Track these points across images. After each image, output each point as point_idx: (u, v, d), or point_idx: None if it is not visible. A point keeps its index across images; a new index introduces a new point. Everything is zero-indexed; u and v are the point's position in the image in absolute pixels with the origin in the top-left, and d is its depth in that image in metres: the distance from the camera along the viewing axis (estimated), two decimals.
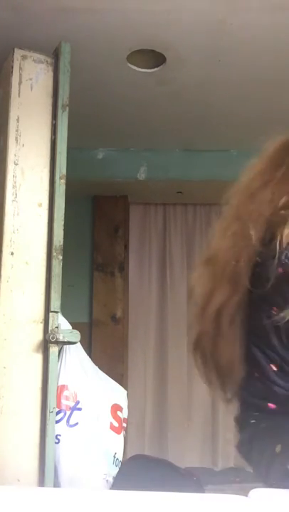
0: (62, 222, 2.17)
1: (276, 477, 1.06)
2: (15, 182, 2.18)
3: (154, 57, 2.64)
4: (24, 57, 2.27)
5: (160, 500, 0.88)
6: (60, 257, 2.14)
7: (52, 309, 2.10)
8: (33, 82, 2.27)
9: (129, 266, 4.18)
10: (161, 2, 2.21)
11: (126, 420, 2.38)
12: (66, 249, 2.19)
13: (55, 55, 2.30)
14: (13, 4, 2.22)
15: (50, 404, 2.02)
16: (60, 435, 2.10)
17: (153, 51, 2.58)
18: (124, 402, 2.37)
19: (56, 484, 2.05)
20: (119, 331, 3.92)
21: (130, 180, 3.72)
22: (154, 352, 4.18)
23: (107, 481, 2.18)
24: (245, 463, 1.28)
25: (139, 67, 2.71)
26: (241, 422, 1.29)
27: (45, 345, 2.08)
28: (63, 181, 2.20)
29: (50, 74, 2.29)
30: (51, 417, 2.02)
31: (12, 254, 2.13)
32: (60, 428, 2.11)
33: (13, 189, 2.17)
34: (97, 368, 2.36)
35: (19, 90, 2.25)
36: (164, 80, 2.81)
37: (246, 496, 0.87)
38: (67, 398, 2.15)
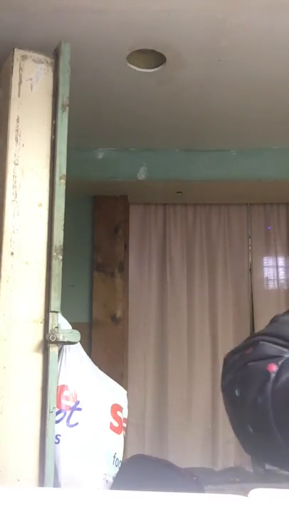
0: (63, 222, 2.17)
1: None
2: (15, 182, 2.18)
3: (154, 57, 2.64)
4: (24, 57, 2.27)
5: (160, 500, 0.88)
6: (60, 257, 2.14)
7: (52, 309, 2.10)
8: (33, 82, 2.27)
9: (129, 266, 4.18)
10: (161, 2, 2.21)
11: (126, 420, 2.37)
12: (66, 249, 2.19)
13: (55, 55, 2.30)
14: (13, 4, 2.22)
15: (50, 404, 2.02)
16: (60, 435, 2.10)
17: (153, 51, 2.58)
18: (124, 402, 2.37)
19: (56, 484, 2.05)
20: (119, 331, 3.92)
21: (130, 180, 3.72)
22: (154, 352, 4.19)
23: (107, 481, 2.18)
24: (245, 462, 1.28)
25: (139, 67, 2.71)
26: None
27: (45, 345, 2.08)
28: (63, 181, 2.20)
29: (50, 74, 2.29)
30: (51, 417, 2.02)
31: (12, 254, 2.13)
32: (60, 428, 2.11)
33: (13, 189, 2.17)
34: (97, 367, 2.36)
35: (19, 90, 2.25)
36: (164, 79, 2.81)
37: (246, 496, 0.87)
38: (67, 398, 2.15)
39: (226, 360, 1.12)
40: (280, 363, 0.99)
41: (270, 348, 1.04)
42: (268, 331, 1.10)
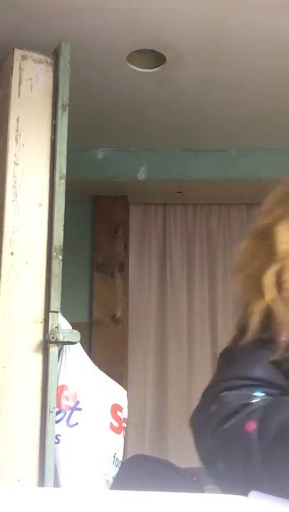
0: (63, 222, 2.17)
1: None
2: (15, 182, 2.18)
3: (154, 57, 2.64)
4: (24, 57, 2.27)
5: (160, 500, 0.88)
6: (60, 257, 2.14)
7: (52, 309, 2.10)
8: (33, 82, 2.27)
9: (129, 266, 4.18)
10: (161, 2, 2.21)
11: (126, 420, 2.37)
12: (66, 249, 2.19)
13: (55, 55, 2.30)
14: (13, 4, 2.22)
15: (50, 404, 2.02)
16: (60, 435, 2.10)
17: (153, 51, 2.58)
18: (124, 402, 2.37)
19: (56, 484, 2.05)
20: (119, 331, 3.92)
21: (130, 180, 3.72)
22: (154, 352, 4.18)
23: (107, 481, 2.18)
24: None
25: (139, 67, 2.71)
26: None
27: (45, 345, 2.08)
28: (63, 181, 2.20)
29: (50, 74, 2.29)
30: (51, 417, 2.02)
31: (12, 254, 2.13)
32: (60, 428, 2.11)
33: (13, 189, 2.17)
34: (97, 367, 2.36)
35: (19, 90, 2.25)
36: (164, 79, 2.81)
37: (246, 496, 0.87)
38: (67, 398, 2.15)
39: (192, 422, 1.01)
40: (256, 417, 0.88)
41: (235, 397, 0.93)
42: (225, 375, 1.00)
